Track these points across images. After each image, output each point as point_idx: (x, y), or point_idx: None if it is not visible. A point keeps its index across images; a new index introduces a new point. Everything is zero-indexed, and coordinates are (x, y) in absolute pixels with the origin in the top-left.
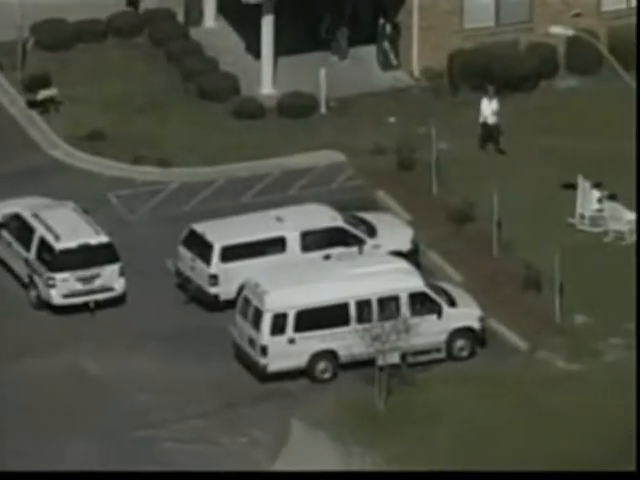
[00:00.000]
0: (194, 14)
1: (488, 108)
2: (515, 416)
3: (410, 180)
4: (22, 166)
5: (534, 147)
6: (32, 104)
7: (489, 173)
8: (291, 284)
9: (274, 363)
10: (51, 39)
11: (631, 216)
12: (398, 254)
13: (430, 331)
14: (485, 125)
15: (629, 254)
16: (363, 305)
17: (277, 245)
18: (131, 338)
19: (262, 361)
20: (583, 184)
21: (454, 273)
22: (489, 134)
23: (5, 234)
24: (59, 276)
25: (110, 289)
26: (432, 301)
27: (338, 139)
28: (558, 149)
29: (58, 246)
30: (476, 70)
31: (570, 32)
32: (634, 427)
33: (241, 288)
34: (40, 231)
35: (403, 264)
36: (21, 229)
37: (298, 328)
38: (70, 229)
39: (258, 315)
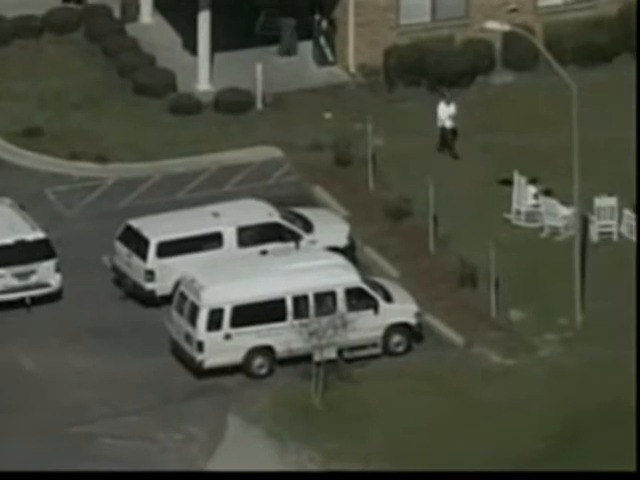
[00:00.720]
0: (130, 10)
1: (445, 112)
2: (451, 411)
3: (347, 176)
4: None
5: (470, 143)
6: None
7: (425, 169)
8: (227, 280)
9: (210, 359)
10: None
11: (566, 211)
12: (334, 250)
13: (366, 326)
14: (443, 129)
15: (564, 249)
16: (300, 300)
17: (213, 241)
18: (67, 334)
19: (198, 357)
20: (519, 180)
21: (390, 269)
22: (447, 138)
23: None
24: None
25: (46, 285)
26: (368, 296)
27: (274, 135)
28: (494, 145)
29: None
30: (411, 66)
31: (506, 28)
32: (573, 422)
33: (177, 284)
34: None
35: (339, 260)
36: None
37: (234, 324)
38: (6, 225)
39: (194, 311)
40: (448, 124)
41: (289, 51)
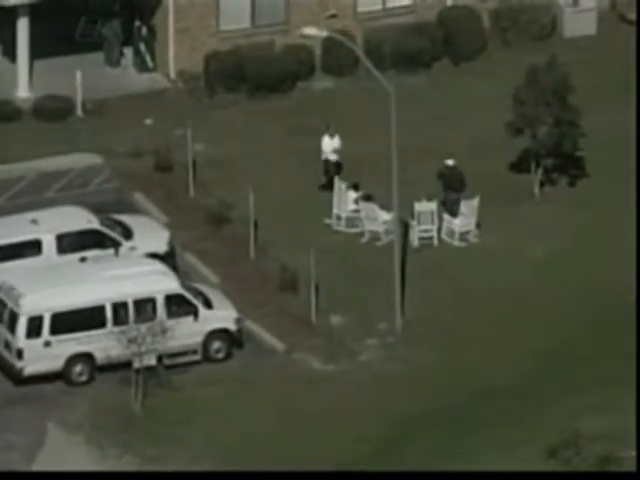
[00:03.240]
0: None
1: (329, 145)
2: (272, 416)
3: (167, 182)
4: None
5: (291, 148)
6: None
7: (246, 174)
8: (47, 287)
9: (30, 366)
10: None
11: (386, 216)
12: (154, 256)
13: (186, 333)
14: (327, 162)
15: (385, 254)
16: (119, 307)
17: (33, 248)
18: None
19: (18, 364)
20: (339, 185)
21: (210, 275)
22: (331, 171)
23: None
24: None
25: None
26: (188, 303)
27: (95, 141)
28: (314, 150)
29: None
30: (231, 72)
31: (323, 33)
32: (395, 426)
33: None
34: None
35: (159, 266)
36: None
37: (54, 331)
38: None
39: (14, 318)
40: (332, 157)
41: (119, 60)
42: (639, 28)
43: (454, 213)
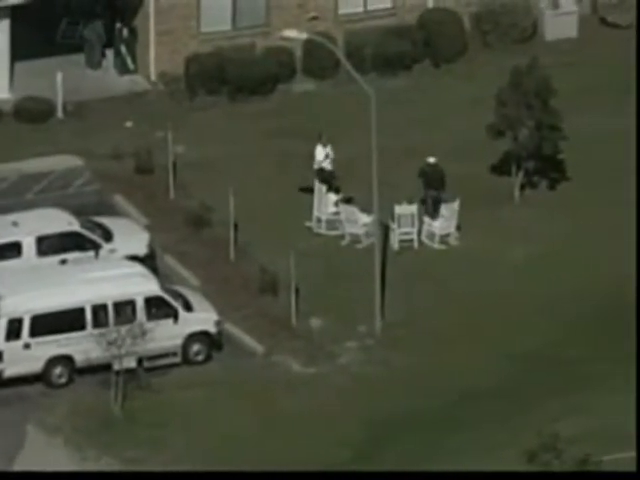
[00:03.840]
0: None
1: (322, 154)
2: (251, 419)
3: (148, 184)
4: None
5: (271, 151)
6: None
7: (227, 177)
8: (27, 289)
9: (10, 368)
10: None
11: (367, 219)
12: (134, 258)
13: (166, 335)
14: (321, 171)
15: (365, 257)
16: (99, 310)
17: (12, 250)
18: None
19: None
20: (320, 188)
21: (191, 277)
22: (325, 180)
23: None
24: None
25: None
26: (168, 305)
27: (75, 143)
28: (295, 153)
29: None
30: (212, 74)
31: (303, 36)
32: (375, 428)
33: None
34: None
35: (139, 268)
36: None
37: (34, 333)
38: None
39: None
40: (327, 166)
41: (100, 62)
42: (639, 31)
43: (434, 211)
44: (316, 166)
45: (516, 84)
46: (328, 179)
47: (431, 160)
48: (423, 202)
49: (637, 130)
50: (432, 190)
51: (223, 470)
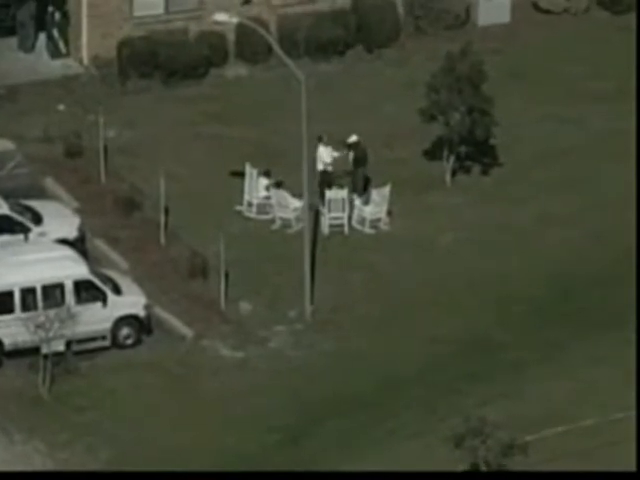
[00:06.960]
0: None
1: (325, 154)
2: (180, 403)
3: (79, 168)
4: None
5: (203, 135)
6: None
7: (157, 161)
8: None
9: None
10: None
11: (297, 204)
12: (64, 242)
13: (95, 319)
14: (325, 173)
15: (295, 241)
16: (28, 293)
17: None
18: None
19: None
20: (251, 172)
21: (120, 261)
22: (328, 181)
23: None
24: None
25: None
26: (97, 289)
27: (7, 127)
28: (227, 137)
29: None
30: (144, 58)
31: (234, 20)
32: (304, 413)
33: None
34: None
35: (68, 252)
36: None
37: None
38: None
39: None
40: (330, 168)
41: (33, 45)
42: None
43: (363, 189)
44: (321, 167)
45: (449, 69)
46: (330, 182)
47: (353, 138)
48: (352, 181)
49: (637, 131)
50: (360, 167)
51: (213, 471)
